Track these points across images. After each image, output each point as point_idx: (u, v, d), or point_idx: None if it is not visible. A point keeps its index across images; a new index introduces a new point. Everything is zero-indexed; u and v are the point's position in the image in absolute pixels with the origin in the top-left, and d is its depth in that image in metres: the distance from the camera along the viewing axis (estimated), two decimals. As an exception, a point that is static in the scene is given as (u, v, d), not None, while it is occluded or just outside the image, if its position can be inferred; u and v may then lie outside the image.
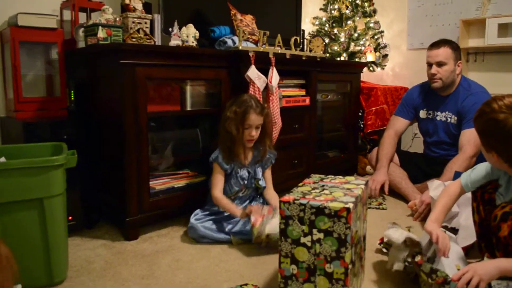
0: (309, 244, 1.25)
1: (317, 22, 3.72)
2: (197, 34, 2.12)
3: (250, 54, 2.12)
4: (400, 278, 1.52)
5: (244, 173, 2.01)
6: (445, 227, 1.75)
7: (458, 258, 1.48)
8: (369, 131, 3.21)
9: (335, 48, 3.55)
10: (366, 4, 3.62)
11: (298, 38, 2.51)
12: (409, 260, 1.44)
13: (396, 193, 2.56)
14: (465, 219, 1.74)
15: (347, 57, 3.56)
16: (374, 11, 3.65)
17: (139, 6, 2.06)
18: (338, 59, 3.51)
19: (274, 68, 2.23)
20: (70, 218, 1.85)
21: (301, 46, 2.70)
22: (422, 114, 2.63)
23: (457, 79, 2.48)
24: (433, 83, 2.46)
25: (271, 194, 2.07)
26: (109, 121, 1.96)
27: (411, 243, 1.44)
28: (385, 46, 3.66)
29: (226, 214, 1.93)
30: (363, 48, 3.55)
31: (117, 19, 2.02)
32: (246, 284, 1.48)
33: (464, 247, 1.62)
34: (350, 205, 1.21)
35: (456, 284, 1.23)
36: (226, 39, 2.23)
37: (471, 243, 1.68)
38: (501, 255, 1.34)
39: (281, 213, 1.28)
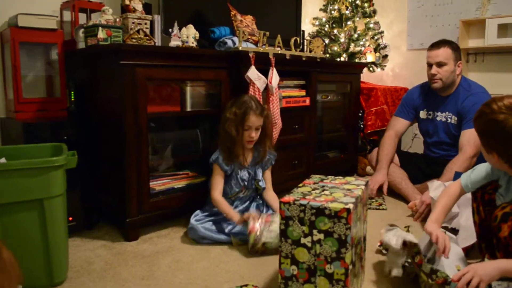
0: (309, 244, 1.25)
1: (317, 23, 3.72)
2: (197, 35, 2.13)
3: (250, 54, 2.12)
4: (400, 279, 1.52)
5: (244, 174, 2.01)
6: (445, 228, 1.75)
7: (458, 258, 1.48)
8: (369, 131, 3.21)
9: (335, 48, 3.56)
10: (366, 5, 3.62)
11: (298, 39, 2.51)
12: (409, 260, 1.44)
13: (396, 193, 2.56)
14: (466, 219, 1.74)
15: (347, 58, 3.57)
16: (374, 12, 3.66)
17: (139, 7, 2.06)
18: (338, 59, 3.51)
19: (274, 69, 2.23)
20: (70, 218, 1.85)
21: (301, 47, 2.69)
22: (422, 114, 2.63)
23: (457, 80, 2.48)
24: (433, 83, 2.46)
25: (271, 195, 2.07)
26: (109, 121, 1.96)
27: (409, 245, 1.43)
28: (385, 47, 3.66)
29: (226, 215, 1.93)
30: (363, 48, 3.56)
31: (117, 20, 2.02)
32: (246, 285, 1.48)
33: (464, 248, 1.62)
34: (350, 206, 1.21)
35: (456, 285, 1.23)
36: (226, 40, 2.23)
37: (472, 244, 1.68)
38: (501, 255, 1.34)
39: (281, 214, 1.28)
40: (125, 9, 2.06)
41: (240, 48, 2.14)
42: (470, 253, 1.70)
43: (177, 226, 2.07)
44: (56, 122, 1.98)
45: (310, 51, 2.59)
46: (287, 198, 1.29)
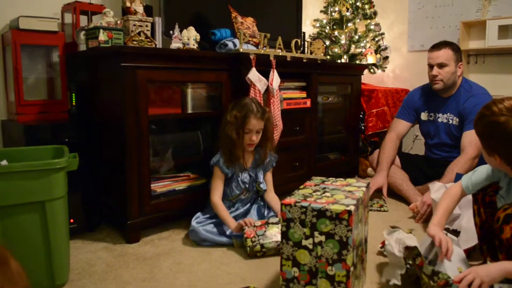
0: (310, 246, 1.25)
1: (317, 25, 3.73)
2: (198, 37, 2.13)
3: (251, 56, 2.13)
4: (401, 280, 1.51)
5: (245, 176, 2.01)
6: (447, 229, 1.74)
7: (460, 260, 1.48)
8: (370, 133, 3.21)
9: (336, 50, 3.56)
10: (366, 6, 3.63)
11: (298, 41, 2.51)
12: (410, 262, 1.44)
13: (397, 195, 2.56)
14: (467, 221, 1.74)
15: (347, 59, 3.57)
16: (375, 13, 3.66)
17: (140, 9, 2.07)
18: (339, 61, 3.52)
19: (275, 71, 2.23)
20: (71, 221, 1.85)
21: (301, 49, 2.70)
22: (424, 116, 2.63)
23: (458, 81, 2.48)
24: (434, 84, 2.46)
25: (272, 197, 2.07)
26: (110, 124, 1.97)
27: (409, 248, 1.43)
28: (385, 48, 3.67)
29: (227, 216, 1.93)
30: (363, 50, 3.56)
31: (118, 22, 2.02)
32: (247, 287, 1.48)
33: (465, 249, 1.62)
34: (352, 208, 1.21)
35: (458, 286, 1.23)
36: (227, 42, 2.23)
37: (473, 245, 1.67)
38: (503, 257, 1.34)
39: (282, 216, 1.28)
40: (126, 11, 2.06)
41: (241, 50, 2.15)
42: (472, 255, 1.69)
43: (178, 228, 2.06)
44: (57, 124, 1.98)
45: (311, 53, 2.60)
46: (288, 200, 1.29)
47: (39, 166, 1.39)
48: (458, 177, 1.95)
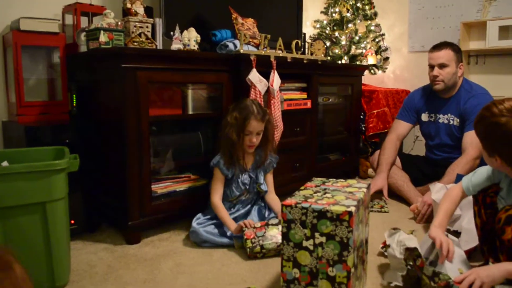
0: (311, 247, 1.25)
1: (318, 25, 3.73)
2: (199, 38, 2.13)
3: (252, 57, 2.13)
4: (403, 281, 1.51)
5: (245, 178, 2.01)
6: (448, 230, 1.74)
7: (461, 261, 1.48)
8: (370, 134, 3.21)
9: (336, 51, 3.56)
10: (367, 7, 3.63)
11: (299, 42, 2.51)
12: (411, 263, 1.44)
13: (398, 196, 2.56)
14: (468, 222, 1.74)
15: (348, 60, 3.57)
16: (375, 14, 3.66)
17: (141, 10, 2.07)
18: (339, 62, 3.52)
19: (276, 72, 2.23)
20: (72, 222, 1.85)
21: (302, 50, 2.71)
22: (424, 117, 2.63)
23: (458, 81, 2.48)
24: (435, 85, 2.46)
25: (273, 198, 2.07)
26: (111, 125, 1.97)
27: (409, 249, 1.43)
28: (386, 49, 3.67)
29: (227, 217, 1.93)
30: (364, 51, 3.56)
31: (119, 23, 2.03)
32: (248, 288, 1.48)
33: (466, 251, 1.62)
34: (352, 209, 1.20)
35: (458, 287, 1.23)
36: (228, 43, 2.23)
37: (474, 246, 1.67)
38: (504, 258, 1.34)
39: (283, 217, 1.28)
40: (126, 13, 2.07)
41: (242, 51, 2.15)
42: (473, 256, 1.69)
43: (179, 229, 2.06)
44: (58, 126, 1.99)
45: (311, 54, 2.60)
46: (289, 201, 1.29)
47: (39, 167, 1.39)
48: (458, 178, 1.95)
